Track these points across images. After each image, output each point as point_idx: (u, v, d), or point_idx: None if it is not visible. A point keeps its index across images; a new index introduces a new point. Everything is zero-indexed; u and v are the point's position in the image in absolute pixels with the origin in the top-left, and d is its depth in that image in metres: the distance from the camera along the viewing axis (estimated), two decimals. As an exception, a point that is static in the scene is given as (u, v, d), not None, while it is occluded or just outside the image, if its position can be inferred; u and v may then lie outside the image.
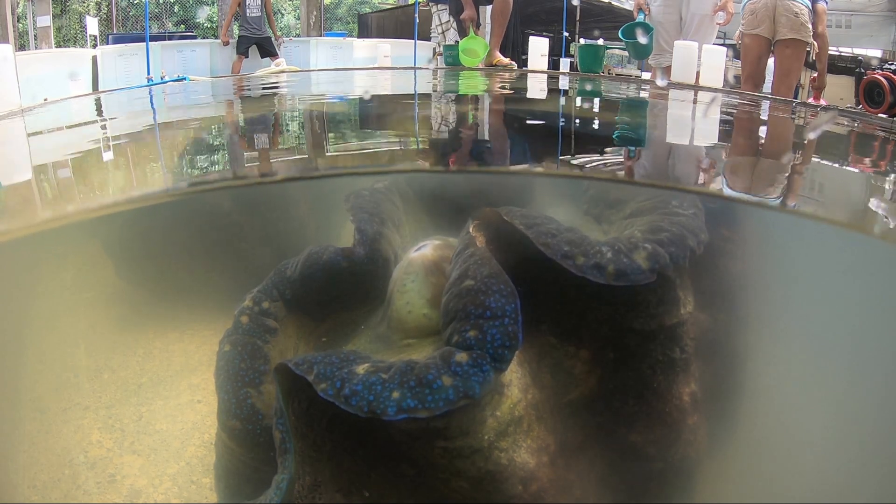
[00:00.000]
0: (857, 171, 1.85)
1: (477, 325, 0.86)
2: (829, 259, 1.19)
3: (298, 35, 9.03)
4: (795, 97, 4.47)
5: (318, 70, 6.63)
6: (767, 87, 4.34)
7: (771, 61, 4.00)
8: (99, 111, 3.11)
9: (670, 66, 4.10)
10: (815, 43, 3.78)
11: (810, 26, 3.67)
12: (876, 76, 3.62)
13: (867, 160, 2.11)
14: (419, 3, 7.77)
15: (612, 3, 8.65)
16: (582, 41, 7.79)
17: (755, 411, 1.22)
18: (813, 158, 1.92)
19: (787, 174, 1.61)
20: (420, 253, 1.12)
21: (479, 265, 0.95)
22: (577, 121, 2.44)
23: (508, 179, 1.47)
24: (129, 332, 1.74)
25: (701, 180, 1.49)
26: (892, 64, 3.96)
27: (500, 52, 4.53)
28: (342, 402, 0.81)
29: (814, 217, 1.20)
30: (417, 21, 7.29)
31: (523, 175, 1.46)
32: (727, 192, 1.32)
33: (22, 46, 7.77)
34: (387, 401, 0.80)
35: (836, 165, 1.92)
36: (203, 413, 1.51)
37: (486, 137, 2.01)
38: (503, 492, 0.90)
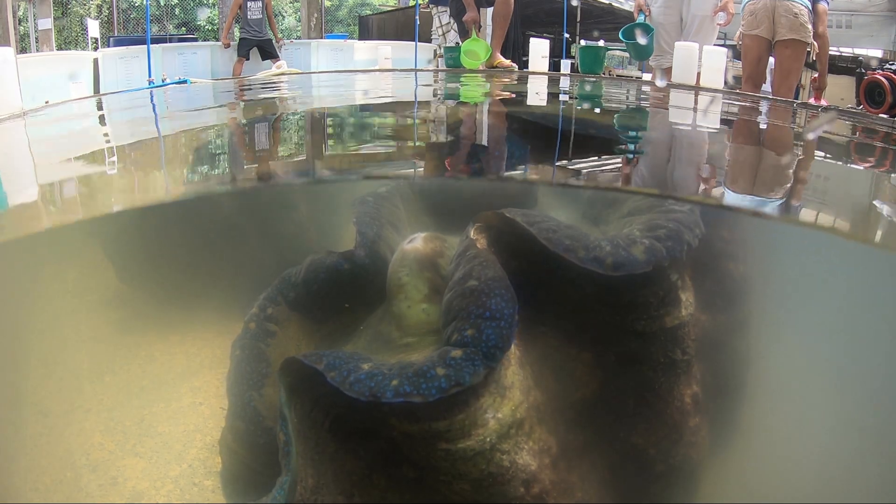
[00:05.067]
0: (857, 173, 1.85)
1: (475, 325, 0.91)
2: (829, 261, 1.20)
3: (299, 37, 9.03)
4: (796, 97, 4.47)
5: (319, 72, 6.64)
6: (767, 87, 4.33)
7: (771, 62, 4.00)
8: (101, 114, 3.11)
9: (671, 68, 4.10)
10: (815, 43, 3.77)
11: (810, 27, 3.67)
12: (877, 76, 3.61)
13: (866, 162, 2.11)
14: (420, 5, 7.77)
15: (613, 4, 8.65)
16: (582, 42, 7.79)
17: (756, 412, 1.22)
18: (811, 161, 1.92)
19: (787, 177, 1.62)
20: (412, 246, 1.14)
21: (484, 267, 0.98)
22: (577, 123, 2.44)
23: (507, 184, 1.47)
24: (130, 334, 1.74)
25: (701, 185, 1.49)
26: (892, 64, 3.94)
27: (501, 53, 4.53)
28: (347, 388, 0.88)
29: (812, 222, 1.20)
30: (418, 23, 7.29)
31: (523, 182, 1.46)
32: (728, 198, 1.33)
33: (23, 49, 7.79)
34: (386, 387, 0.87)
35: (836, 168, 1.92)
36: (205, 416, 1.52)
37: (487, 141, 2.01)
38: (505, 494, 0.92)
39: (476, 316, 0.92)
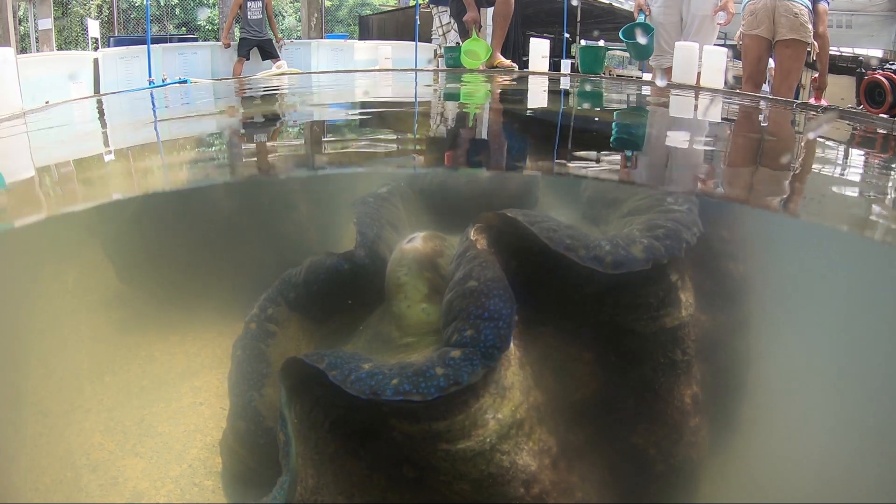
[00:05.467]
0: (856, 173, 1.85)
1: (475, 325, 0.93)
2: (829, 261, 1.20)
3: (299, 37, 9.03)
4: (796, 97, 4.46)
5: (319, 72, 6.63)
6: (766, 87, 4.33)
7: (771, 62, 4.00)
8: (101, 114, 3.11)
9: (671, 67, 4.10)
10: (816, 43, 3.77)
11: (810, 27, 3.67)
12: (877, 76, 3.60)
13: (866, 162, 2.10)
14: (420, 4, 7.77)
15: (613, 3, 8.65)
16: (583, 42, 7.80)
17: (756, 412, 1.22)
18: (811, 161, 1.92)
19: (787, 176, 1.61)
20: (412, 245, 1.14)
21: (483, 268, 0.99)
22: (578, 121, 2.43)
23: (506, 183, 1.47)
24: (130, 335, 1.74)
25: (700, 183, 1.49)
26: (892, 64, 3.94)
27: (501, 53, 4.53)
28: (348, 386, 0.89)
29: (812, 220, 1.20)
30: (418, 23, 7.29)
31: (524, 181, 1.47)
32: (727, 194, 1.33)
33: (23, 49, 7.79)
34: (386, 386, 0.88)
35: (836, 168, 1.92)
36: (205, 416, 1.52)
37: (486, 141, 2.01)
38: (505, 494, 0.92)
39: (475, 317, 0.93)
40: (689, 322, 1.07)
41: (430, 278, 1.10)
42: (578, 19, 7.95)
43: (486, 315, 0.93)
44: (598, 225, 1.27)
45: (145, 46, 5.75)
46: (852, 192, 1.58)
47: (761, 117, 2.89)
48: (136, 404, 1.53)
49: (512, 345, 0.98)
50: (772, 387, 1.25)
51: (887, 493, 1.08)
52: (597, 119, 2.61)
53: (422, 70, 6.55)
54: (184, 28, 13.12)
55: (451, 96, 3.28)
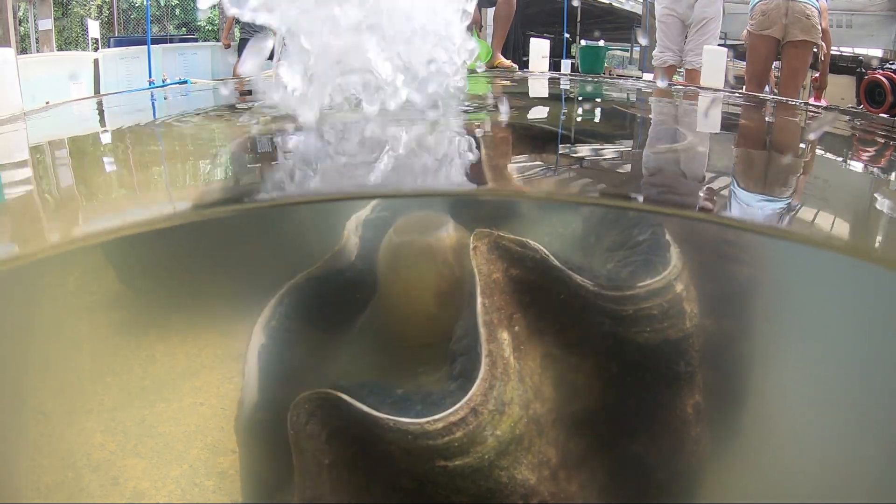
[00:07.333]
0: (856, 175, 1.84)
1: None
2: (835, 269, 1.19)
3: (299, 36, 9.01)
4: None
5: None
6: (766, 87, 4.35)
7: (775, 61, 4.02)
8: (101, 115, 3.11)
9: (672, 66, 4.12)
10: (824, 45, 3.78)
11: (819, 28, 3.67)
12: (877, 76, 3.61)
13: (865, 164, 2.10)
14: (420, 4, 7.76)
15: (613, 3, 8.66)
16: (583, 42, 7.81)
17: (759, 422, 1.22)
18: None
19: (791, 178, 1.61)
20: (405, 235, 1.14)
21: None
22: (577, 126, 2.43)
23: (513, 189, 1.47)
24: (131, 335, 1.74)
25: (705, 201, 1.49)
26: (892, 63, 3.95)
27: (501, 53, 4.54)
28: (359, 406, 0.94)
29: (817, 233, 1.20)
30: (418, 22, 7.27)
31: (524, 198, 1.47)
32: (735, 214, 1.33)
33: (24, 49, 7.79)
34: (395, 410, 0.93)
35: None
36: (206, 416, 1.52)
37: (491, 154, 2.00)
38: None
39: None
40: (694, 332, 1.08)
41: (427, 268, 1.09)
42: (578, 19, 7.95)
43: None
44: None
45: (145, 47, 5.77)
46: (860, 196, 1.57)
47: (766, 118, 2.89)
48: (136, 405, 1.53)
49: (512, 358, 1.00)
50: (777, 396, 1.24)
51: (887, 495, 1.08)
52: (596, 123, 2.61)
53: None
54: (184, 28, 13.11)
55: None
